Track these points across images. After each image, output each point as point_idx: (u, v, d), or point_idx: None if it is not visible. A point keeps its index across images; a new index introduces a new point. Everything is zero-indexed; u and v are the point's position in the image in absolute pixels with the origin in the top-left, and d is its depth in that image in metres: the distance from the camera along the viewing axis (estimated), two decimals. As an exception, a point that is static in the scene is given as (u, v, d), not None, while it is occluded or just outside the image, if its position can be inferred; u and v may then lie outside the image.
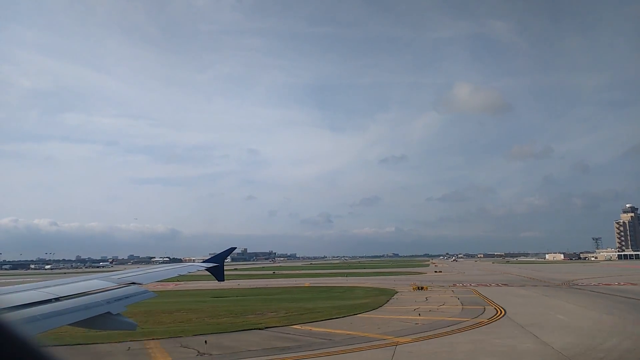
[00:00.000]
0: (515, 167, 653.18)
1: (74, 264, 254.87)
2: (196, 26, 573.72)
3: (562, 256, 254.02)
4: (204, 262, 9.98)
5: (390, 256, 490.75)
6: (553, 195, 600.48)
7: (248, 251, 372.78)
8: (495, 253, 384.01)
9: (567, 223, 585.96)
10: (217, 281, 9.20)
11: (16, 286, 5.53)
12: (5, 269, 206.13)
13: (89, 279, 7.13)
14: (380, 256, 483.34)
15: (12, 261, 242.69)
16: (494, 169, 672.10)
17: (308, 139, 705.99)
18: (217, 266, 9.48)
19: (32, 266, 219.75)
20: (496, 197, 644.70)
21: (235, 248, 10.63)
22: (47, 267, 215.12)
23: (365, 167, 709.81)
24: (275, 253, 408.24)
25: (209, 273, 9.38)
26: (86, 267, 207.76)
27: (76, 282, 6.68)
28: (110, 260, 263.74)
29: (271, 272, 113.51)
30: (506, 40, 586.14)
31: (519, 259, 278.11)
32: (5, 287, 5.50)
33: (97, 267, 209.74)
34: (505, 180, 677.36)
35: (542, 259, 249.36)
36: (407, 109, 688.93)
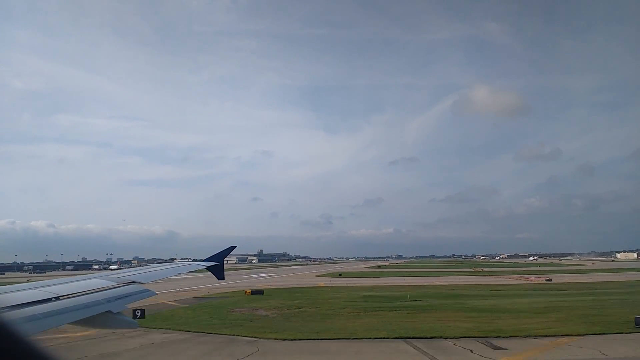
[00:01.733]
0: (519, 168, 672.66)
1: (132, 264, 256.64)
2: (191, 27, 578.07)
3: (635, 255, 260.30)
4: (204, 260, 10.10)
5: (394, 257, 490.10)
6: (556, 196, 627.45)
7: (264, 252, 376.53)
8: (520, 254, 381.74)
9: (569, 224, 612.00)
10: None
11: (16, 285, 5.62)
12: (69, 269, 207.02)
13: (89, 278, 7.24)
14: (385, 257, 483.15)
15: (75, 262, 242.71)
16: (496, 171, 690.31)
17: (304, 141, 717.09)
18: (217, 265, 9.59)
19: (96, 266, 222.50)
20: (499, 198, 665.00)
21: (235, 247, 10.72)
22: (114, 267, 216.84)
23: (361, 169, 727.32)
24: (289, 254, 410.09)
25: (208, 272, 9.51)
26: None
27: (76, 281, 6.78)
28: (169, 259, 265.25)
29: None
30: (501, 42, 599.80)
31: (583, 258, 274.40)
32: (5, 286, 5.59)
33: None
34: (509, 182, 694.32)
35: (613, 258, 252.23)
36: (402, 111, 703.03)
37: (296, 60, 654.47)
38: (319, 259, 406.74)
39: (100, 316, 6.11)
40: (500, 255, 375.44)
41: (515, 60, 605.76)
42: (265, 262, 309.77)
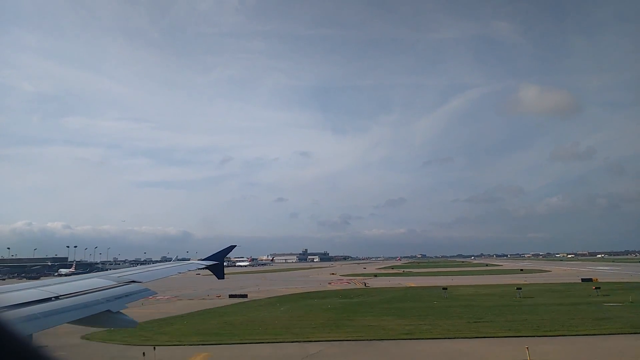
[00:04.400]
0: (535, 168, 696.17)
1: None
2: (199, 29, 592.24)
3: None
4: (204, 260, 10.50)
5: (418, 257, 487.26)
6: (571, 195, 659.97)
7: (308, 252, 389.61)
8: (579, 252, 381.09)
9: (586, 224, 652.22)
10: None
11: (16, 284, 6.13)
12: None
13: (89, 277, 7.75)
14: (410, 257, 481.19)
15: (179, 257, 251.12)
16: (513, 170, 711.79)
17: (312, 141, 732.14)
18: (217, 264, 9.96)
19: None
20: (518, 198, 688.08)
21: (235, 246, 11.11)
22: (243, 264, 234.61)
23: (365, 169, 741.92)
24: (328, 253, 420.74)
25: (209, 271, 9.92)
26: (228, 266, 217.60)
27: (76, 280, 7.29)
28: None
29: None
30: (510, 41, 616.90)
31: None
32: (5, 285, 6.09)
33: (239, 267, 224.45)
34: (524, 181, 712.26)
35: None
36: (410, 111, 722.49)
37: (304, 61, 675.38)
38: (361, 258, 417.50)
39: (100, 315, 6.58)
40: (562, 253, 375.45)
41: (524, 58, 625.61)
42: (326, 261, 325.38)
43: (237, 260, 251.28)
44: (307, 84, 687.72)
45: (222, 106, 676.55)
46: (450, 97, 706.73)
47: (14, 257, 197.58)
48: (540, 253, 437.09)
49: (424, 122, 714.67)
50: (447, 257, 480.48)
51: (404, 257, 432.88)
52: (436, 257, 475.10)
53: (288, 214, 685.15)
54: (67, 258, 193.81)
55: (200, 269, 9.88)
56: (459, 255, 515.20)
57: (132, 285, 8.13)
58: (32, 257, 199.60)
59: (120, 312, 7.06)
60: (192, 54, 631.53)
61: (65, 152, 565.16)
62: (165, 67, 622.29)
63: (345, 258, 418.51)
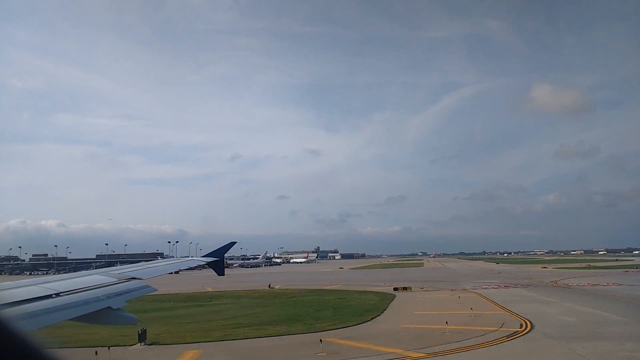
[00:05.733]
0: (526, 165, 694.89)
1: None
2: (191, 26, 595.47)
3: None
4: (204, 256, 10.55)
5: (419, 255, 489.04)
6: (576, 194, 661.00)
7: (321, 249, 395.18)
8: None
9: (581, 221, 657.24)
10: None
11: (16, 282, 6.14)
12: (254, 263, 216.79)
13: (90, 274, 7.77)
14: (411, 254, 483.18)
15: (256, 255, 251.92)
16: (511, 168, 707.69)
17: (304, 139, 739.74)
18: (217, 260, 10.01)
19: (278, 260, 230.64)
20: (515, 195, 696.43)
21: (235, 243, 11.16)
22: (300, 260, 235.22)
23: (360, 168, 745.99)
24: (338, 251, 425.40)
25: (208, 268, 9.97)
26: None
27: (76, 277, 7.30)
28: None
29: None
30: (502, 40, 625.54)
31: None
32: (5, 282, 6.11)
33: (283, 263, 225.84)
34: (517, 179, 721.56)
35: None
36: (402, 109, 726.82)
37: (297, 59, 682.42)
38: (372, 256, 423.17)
39: (101, 312, 6.59)
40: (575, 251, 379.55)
41: (519, 56, 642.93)
42: (349, 258, 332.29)
43: (292, 257, 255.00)
44: (300, 82, 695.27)
45: (215, 104, 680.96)
46: (444, 95, 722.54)
47: (113, 253, 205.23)
48: (544, 251, 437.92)
49: (418, 119, 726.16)
50: (448, 254, 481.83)
51: (403, 255, 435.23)
52: (437, 254, 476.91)
53: (286, 212, 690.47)
54: (162, 253, 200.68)
55: (201, 265, 9.92)
56: (461, 253, 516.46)
57: (133, 282, 8.14)
58: (128, 253, 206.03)
59: (121, 309, 7.07)
60: (185, 51, 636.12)
61: (56, 149, 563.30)
62: (157, 64, 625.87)
63: (362, 255, 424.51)
